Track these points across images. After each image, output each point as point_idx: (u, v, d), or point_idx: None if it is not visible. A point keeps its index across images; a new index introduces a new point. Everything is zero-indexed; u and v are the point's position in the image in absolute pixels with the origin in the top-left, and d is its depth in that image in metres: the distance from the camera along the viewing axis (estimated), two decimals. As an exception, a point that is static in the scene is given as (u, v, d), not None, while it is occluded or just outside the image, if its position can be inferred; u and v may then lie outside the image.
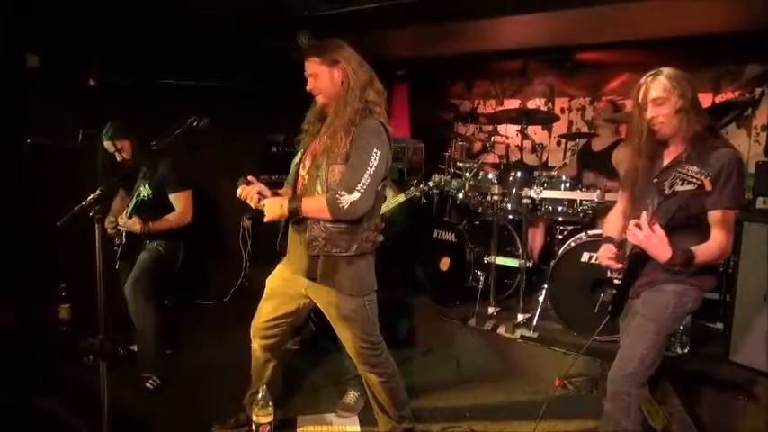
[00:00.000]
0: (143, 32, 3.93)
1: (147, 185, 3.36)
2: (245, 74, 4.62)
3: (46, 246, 3.54)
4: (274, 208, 2.31)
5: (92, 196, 2.29)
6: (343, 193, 2.22)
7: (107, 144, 3.38)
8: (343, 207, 2.22)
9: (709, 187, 1.92)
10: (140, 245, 3.47)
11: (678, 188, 1.89)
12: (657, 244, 1.98)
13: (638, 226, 2.00)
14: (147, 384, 3.26)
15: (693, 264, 2.02)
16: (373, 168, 2.24)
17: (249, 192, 2.38)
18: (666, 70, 2.15)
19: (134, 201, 3.35)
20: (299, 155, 2.51)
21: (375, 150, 2.26)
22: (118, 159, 3.41)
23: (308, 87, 2.38)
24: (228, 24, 4.12)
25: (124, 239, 3.46)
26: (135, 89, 4.15)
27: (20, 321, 3.66)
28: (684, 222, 2.10)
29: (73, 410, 2.89)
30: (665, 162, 2.22)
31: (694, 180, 1.86)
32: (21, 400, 2.96)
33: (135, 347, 3.53)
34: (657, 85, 2.13)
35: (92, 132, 3.60)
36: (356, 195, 2.22)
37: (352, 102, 2.30)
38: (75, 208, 2.30)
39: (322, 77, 2.34)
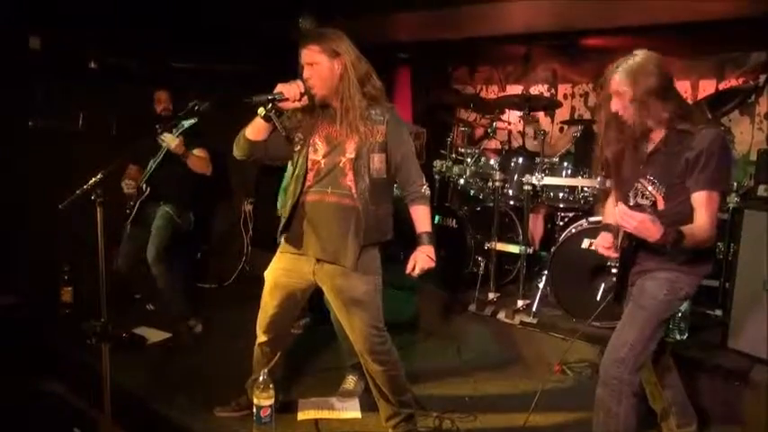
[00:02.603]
0: (145, 15, 3.91)
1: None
2: (248, 56, 4.60)
3: (48, 228, 3.55)
4: (425, 259, 2.44)
5: (94, 179, 2.29)
6: (423, 183, 2.47)
7: (163, 94, 3.64)
8: (429, 195, 2.49)
9: (661, 205, 2.03)
10: (153, 209, 3.65)
11: (639, 200, 1.94)
12: (649, 226, 1.97)
13: (629, 214, 1.99)
14: (195, 330, 3.46)
15: (683, 243, 2.01)
16: (415, 153, 2.52)
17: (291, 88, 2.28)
18: (629, 59, 2.14)
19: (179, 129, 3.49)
20: (298, 140, 2.45)
21: (410, 137, 2.52)
22: (158, 110, 3.62)
23: (305, 76, 2.32)
24: (231, 6, 4.10)
25: (146, 190, 3.63)
26: (137, 72, 4.13)
27: (22, 304, 3.68)
28: (675, 210, 2.10)
29: (75, 392, 2.92)
30: (650, 148, 2.21)
31: (648, 196, 1.98)
32: (24, 382, 2.99)
33: (150, 306, 4.01)
34: (613, 80, 2.15)
35: (93, 116, 3.61)
36: (424, 179, 2.49)
37: (355, 95, 2.30)
38: (78, 191, 2.30)
39: (321, 67, 2.30)
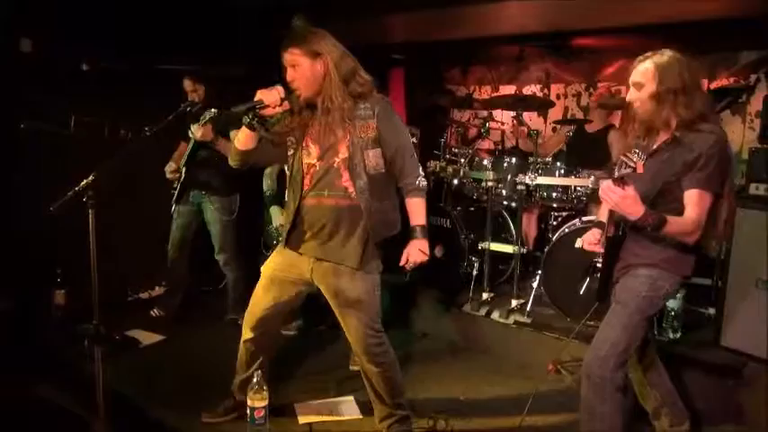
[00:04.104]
0: (138, 17, 3.90)
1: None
2: (240, 59, 4.59)
3: (41, 231, 3.53)
4: (417, 252, 2.40)
5: (85, 181, 2.29)
6: (418, 175, 2.42)
7: (187, 82, 3.70)
8: (425, 187, 2.45)
9: (641, 170, 2.04)
10: (197, 195, 3.79)
11: (623, 171, 1.95)
12: (630, 202, 1.98)
13: (612, 189, 1.98)
14: (240, 322, 3.43)
15: (663, 228, 2.02)
16: (411, 145, 2.47)
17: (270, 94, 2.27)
18: (658, 55, 2.14)
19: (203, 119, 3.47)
20: (291, 143, 2.45)
21: (405, 129, 2.48)
22: (189, 99, 3.67)
23: (288, 78, 2.32)
24: (222, 8, 4.09)
25: (183, 175, 3.73)
26: (129, 74, 4.11)
27: (15, 307, 3.66)
28: (663, 208, 2.11)
29: (69, 396, 2.91)
30: (654, 146, 2.22)
31: (630, 164, 1.99)
32: (17, 385, 2.98)
33: (155, 313, 4.05)
34: (640, 69, 2.14)
35: (85, 119, 3.60)
36: (421, 170, 2.45)
37: (337, 96, 2.28)
38: (69, 193, 2.30)
39: (303, 69, 2.28)
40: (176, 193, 3.81)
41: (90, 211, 2.29)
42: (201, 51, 4.25)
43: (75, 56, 3.92)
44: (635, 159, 1.97)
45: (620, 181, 1.95)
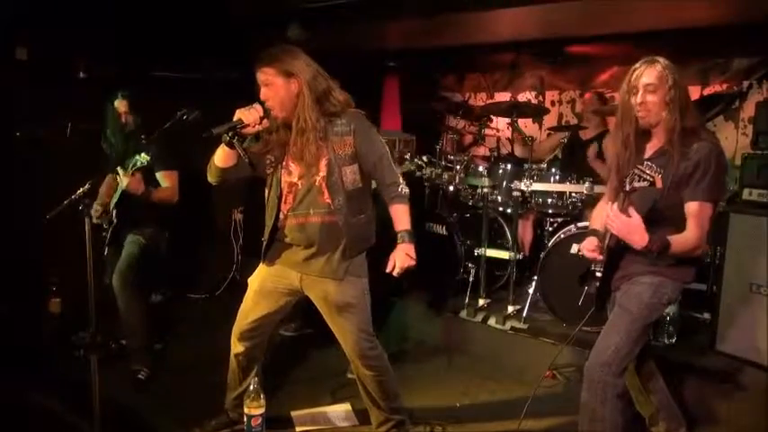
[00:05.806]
0: (135, 25, 3.91)
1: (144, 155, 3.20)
2: (237, 66, 4.60)
3: (36, 239, 3.52)
4: (404, 257, 2.38)
5: (81, 190, 2.29)
6: (399, 183, 2.43)
7: (120, 103, 3.34)
8: (407, 193, 2.45)
9: (659, 185, 2.03)
10: (128, 231, 3.36)
11: (636, 184, 1.95)
12: (634, 230, 1.99)
13: (618, 215, 2.00)
14: (139, 376, 3.26)
15: (669, 251, 2.03)
16: (389, 153, 2.48)
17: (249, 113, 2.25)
18: (662, 59, 2.15)
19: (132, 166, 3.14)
20: (270, 162, 2.44)
21: (381, 138, 2.48)
22: (123, 121, 3.35)
23: (262, 97, 2.31)
24: (220, 16, 4.10)
25: (115, 219, 3.32)
26: (125, 81, 4.12)
27: (10, 314, 3.64)
28: (664, 215, 2.12)
29: (64, 404, 2.89)
30: (647, 155, 2.24)
31: (647, 177, 1.96)
32: (12, 394, 2.96)
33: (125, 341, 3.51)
34: (652, 72, 2.13)
35: (81, 126, 3.59)
36: (401, 179, 2.46)
37: (313, 114, 2.28)
38: (65, 201, 2.29)
39: (276, 88, 2.28)
40: (108, 237, 3.36)
41: (86, 219, 2.29)
42: (198, 59, 4.27)
43: (72, 63, 3.93)
44: (649, 172, 1.96)
45: (633, 191, 1.95)
